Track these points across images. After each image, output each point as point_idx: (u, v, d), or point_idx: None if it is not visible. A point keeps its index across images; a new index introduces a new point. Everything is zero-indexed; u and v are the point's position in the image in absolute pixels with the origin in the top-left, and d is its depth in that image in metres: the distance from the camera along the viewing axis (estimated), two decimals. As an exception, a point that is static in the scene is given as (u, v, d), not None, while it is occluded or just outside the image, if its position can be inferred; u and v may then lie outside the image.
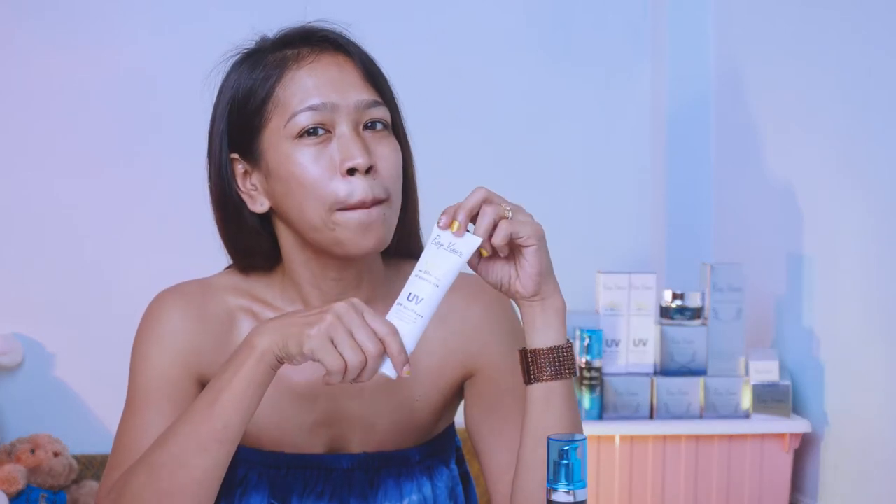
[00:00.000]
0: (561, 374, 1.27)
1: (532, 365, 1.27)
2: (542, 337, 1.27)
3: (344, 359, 1.16)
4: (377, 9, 2.72)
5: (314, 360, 1.18)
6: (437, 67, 2.74)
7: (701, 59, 2.77)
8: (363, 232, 1.29)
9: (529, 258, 1.24)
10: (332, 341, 1.17)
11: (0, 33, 2.61)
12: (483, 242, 1.21)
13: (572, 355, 1.28)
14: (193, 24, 2.67)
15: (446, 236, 1.21)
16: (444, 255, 1.21)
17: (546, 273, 1.26)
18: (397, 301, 1.21)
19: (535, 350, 1.27)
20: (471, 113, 2.80)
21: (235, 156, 1.35)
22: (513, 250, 1.25)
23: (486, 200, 1.22)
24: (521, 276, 1.25)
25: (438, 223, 1.22)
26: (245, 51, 1.36)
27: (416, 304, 1.20)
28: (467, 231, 1.22)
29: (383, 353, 1.18)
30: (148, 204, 2.67)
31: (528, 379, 1.27)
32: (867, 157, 2.12)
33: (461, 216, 1.20)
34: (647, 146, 2.87)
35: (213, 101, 1.38)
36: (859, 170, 2.15)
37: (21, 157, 2.63)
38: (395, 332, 1.18)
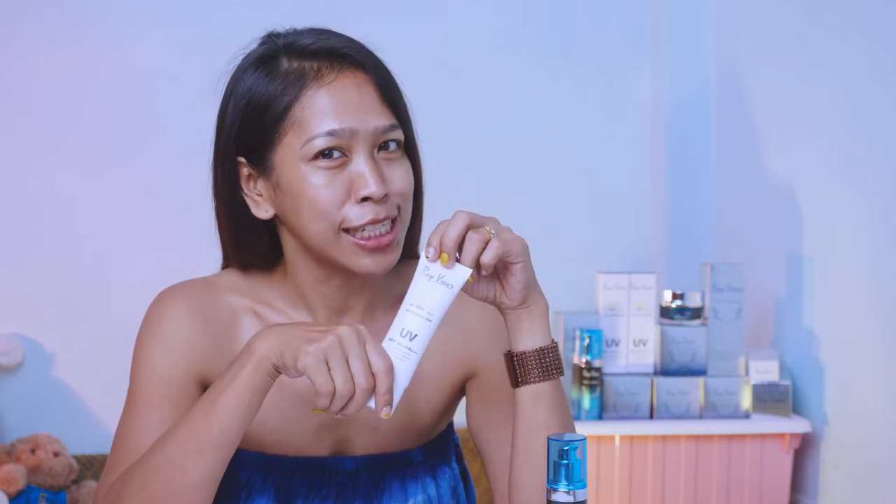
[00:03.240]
0: (548, 374, 1.27)
1: (518, 368, 1.27)
2: (528, 340, 1.27)
3: (334, 383, 1.15)
4: (377, 10, 2.72)
5: (306, 376, 1.17)
6: (437, 67, 2.74)
7: (701, 59, 2.77)
8: (372, 257, 1.29)
9: (517, 274, 1.24)
10: (327, 363, 1.16)
11: (3, 32, 2.61)
12: (470, 274, 1.21)
13: (558, 355, 1.28)
14: (197, 25, 2.66)
15: (435, 268, 1.20)
16: (434, 288, 1.20)
17: (532, 284, 1.26)
18: (388, 336, 1.20)
19: (520, 353, 1.27)
20: (471, 113, 2.80)
21: (242, 159, 1.34)
22: (498, 267, 1.25)
23: (470, 226, 1.21)
24: (508, 290, 1.25)
25: (427, 255, 1.20)
26: (259, 52, 1.34)
27: (410, 340, 1.19)
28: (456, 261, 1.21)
29: (373, 388, 1.17)
30: (149, 204, 2.67)
31: (516, 382, 1.28)
32: (867, 157, 2.12)
33: (449, 247, 1.20)
34: (647, 146, 2.87)
35: (222, 98, 1.36)
36: (859, 170, 2.15)
37: (22, 156, 2.62)
38: (389, 370, 1.17)
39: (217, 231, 1.41)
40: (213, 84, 1.37)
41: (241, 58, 1.35)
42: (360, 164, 1.28)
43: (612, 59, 2.86)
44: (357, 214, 1.28)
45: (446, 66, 2.76)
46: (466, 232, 1.21)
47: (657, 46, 2.82)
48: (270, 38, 1.35)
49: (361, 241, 1.29)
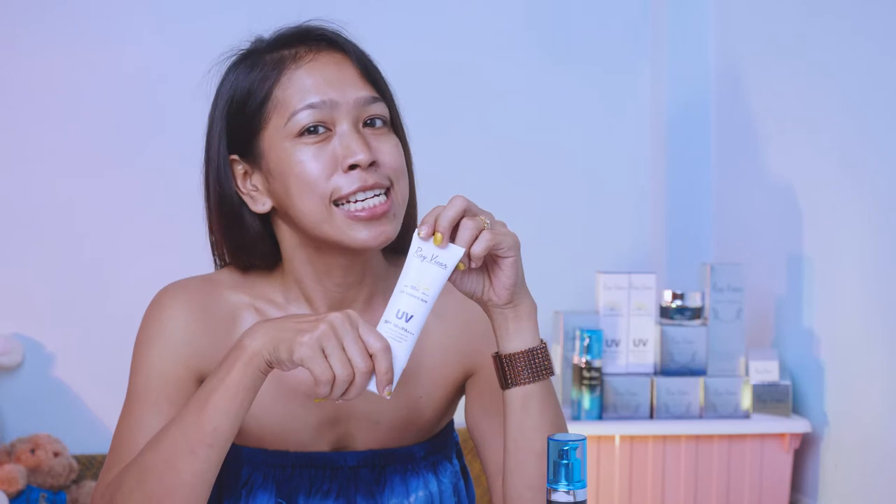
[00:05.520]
0: (537, 375, 1.25)
1: (508, 370, 1.26)
2: (516, 341, 1.25)
3: (332, 370, 1.15)
4: (377, 10, 2.72)
5: (304, 367, 1.16)
6: (437, 67, 2.74)
7: (701, 59, 2.77)
8: (367, 228, 1.29)
9: (506, 269, 1.22)
10: (323, 351, 1.16)
11: (3, 32, 2.61)
12: (463, 255, 1.19)
13: (548, 355, 1.26)
14: (194, 25, 2.66)
15: (428, 248, 1.19)
16: (428, 269, 1.19)
17: (520, 282, 1.24)
18: (384, 318, 1.19)
19: (509, 354, 1.25)
20: (471, 113, 2.80)
21: (235, 157, 1.35)
22: (487, 261, 1.23)
23: (467, 211, 1.20)
24: (496, 285, 1.24)
25: (419, 233, 1.19)
26: (241, 52, 1.36)
27: (406, 321, 1.18)
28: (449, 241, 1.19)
29: (372, 370, 1.16)
30: (148, 204, 2.67)
31: (505, 384, 1.26)
32: (867, 157, 2.12)
33: (444, 227, 1.18)
34: (647, 146, 2.87)
35: (211, 103, 1.38)
36: (859, 170, 2.15)
37: (21, 156, 2.63)
38: (387, 349, 1.17)
39: (209, 241, 1.41)
40: (203, 83, 1.38)
41: (227, 60, 1.37)
42: (345, 134, 1.29)
43: (612, 60, 2.86)
44: (346, 182, 1.28)
45: (446, 66, 2.76)
46: (462, 217, 1.20)
47: (657, 46, 2.82)
48: (256, 41, 1.37)
49: (354, 212, 1.28)
